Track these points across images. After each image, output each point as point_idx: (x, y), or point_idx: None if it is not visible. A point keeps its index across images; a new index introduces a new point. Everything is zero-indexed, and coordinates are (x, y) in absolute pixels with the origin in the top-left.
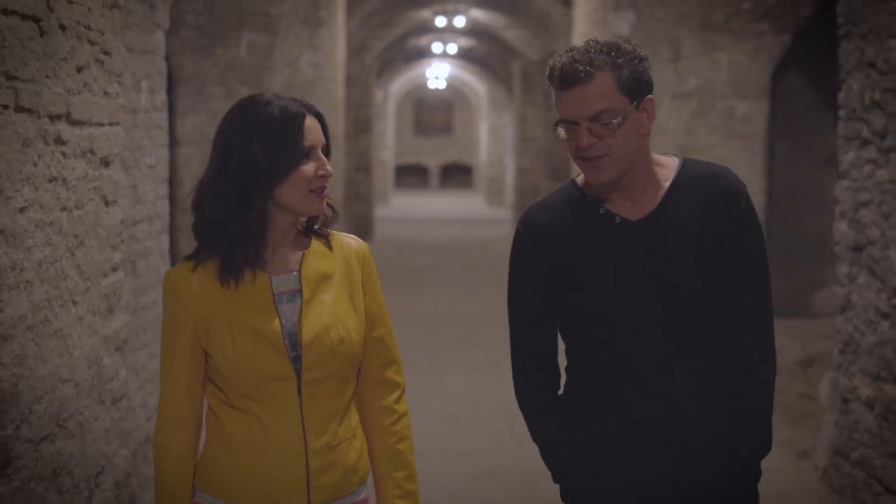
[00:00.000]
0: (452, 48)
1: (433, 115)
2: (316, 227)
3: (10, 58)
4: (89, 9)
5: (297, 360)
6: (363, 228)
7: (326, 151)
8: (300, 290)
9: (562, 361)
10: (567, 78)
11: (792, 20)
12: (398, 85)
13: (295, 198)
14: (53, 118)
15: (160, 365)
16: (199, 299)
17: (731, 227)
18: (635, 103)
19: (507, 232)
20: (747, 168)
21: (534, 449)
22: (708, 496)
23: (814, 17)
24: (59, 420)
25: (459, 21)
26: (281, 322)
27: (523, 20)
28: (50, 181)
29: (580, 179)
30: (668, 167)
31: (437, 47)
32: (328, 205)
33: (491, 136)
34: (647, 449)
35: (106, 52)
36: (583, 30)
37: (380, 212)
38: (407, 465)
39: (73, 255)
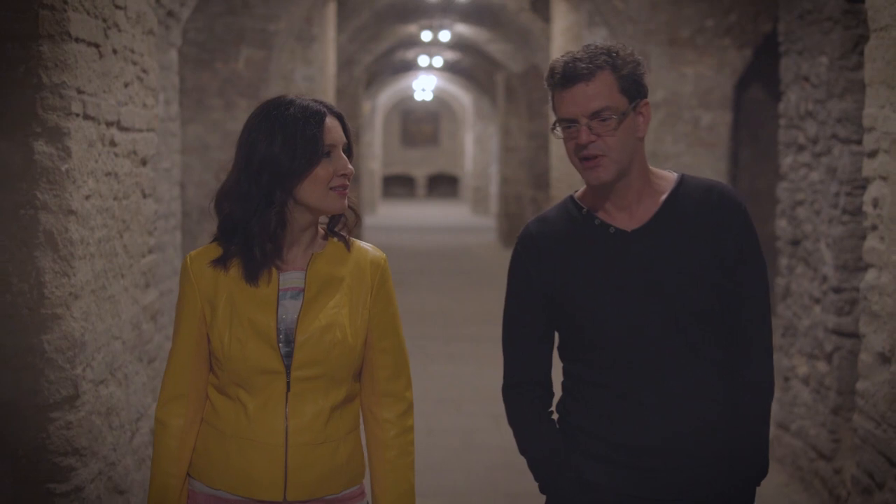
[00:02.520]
0: (438, 61)
1: (420, 126)
2: (336, 229)
3: (80, 76)
4: (133, 35)
5: (288, 357)
6: (351, 235)
7: (349, 151)
8: (303, 290)
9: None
10: (569, 76)
11: (753, 36)
12: (386, 96)
13: (316, 195)
14: (108, 125)
15: (172, 341)
16: (209, 284)
17: (729, 240)
18: (633, 105)
19: (491, 239)
20: (712, 173)
21: (508, 426)
22: None
23: (773, 34)
24: (111, 369)
25: (444, 35)
26: (279, 317)
27: (505, 34)
28: (106, 175)
29: (577, 194)
30: (666, 180)
31: (423, 60)
32: (350, 207)
33: (476, 147)
34: (640, 463)
35: (144, 71)
36: (560, 44)
37: (368, 220)
38: (405, 481)
39: (121, 236)
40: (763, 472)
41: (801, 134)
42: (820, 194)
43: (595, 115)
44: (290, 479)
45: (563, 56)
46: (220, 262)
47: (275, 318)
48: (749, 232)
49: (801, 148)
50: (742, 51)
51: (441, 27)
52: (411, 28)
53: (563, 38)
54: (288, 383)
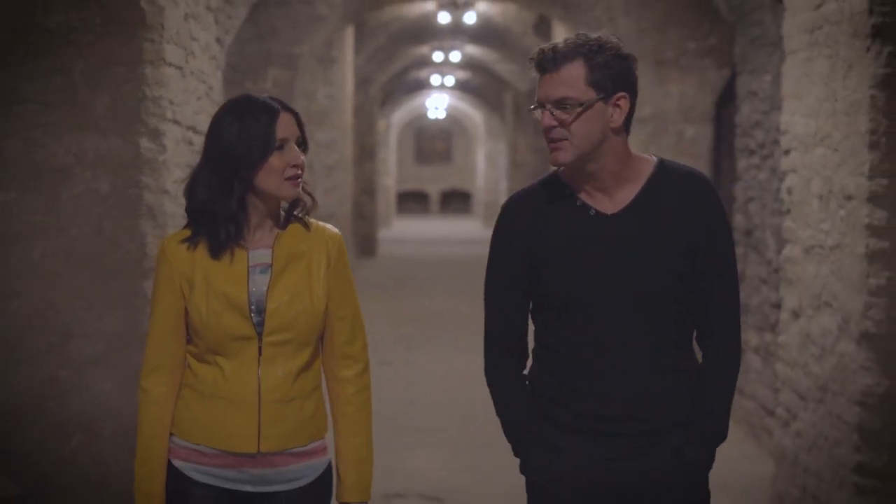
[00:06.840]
0: (450, 80)
1: (433, 143)
2: (296, 213)
3: (171, 91)
4: (202, 60)
5: (260, 325)
6: (367, 246)
7: (304, 145)
8: (271, 265)
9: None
10: (540, 65)
11: (730, 58)
12: (400, 115)
13: (271, 184)
14: (188, 128)
15: (150, 318)
16: (186, 264)
17: (703, 226)
18: (602, 96)
19: None
20: None
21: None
22: (660, 478)
23: None
24: None
25: (455, 56)
26: (250, 290)
27: (512, 55)
28: (186, 166)
29: (563, 170)
30: (646, 164)
31: (435, 79)
32: (307, 192)
33: (487, 163)
34: (604, 429)
35: (210, 88)
36: None
37: (383, 234)
38: (364, 432)
39: None
40: (722, 437)
41: (751, 141)
42: (765, 191)
43: (558, 102)
44: (263, 433)
45: (544, 45)
46: (191, 243)
47: (246, 291)
48: (721, 218)
49: (751, 153)
50: (721, 71)
51: (452, 48)
52: (424, 49)
53: None
54: (260, 348)
